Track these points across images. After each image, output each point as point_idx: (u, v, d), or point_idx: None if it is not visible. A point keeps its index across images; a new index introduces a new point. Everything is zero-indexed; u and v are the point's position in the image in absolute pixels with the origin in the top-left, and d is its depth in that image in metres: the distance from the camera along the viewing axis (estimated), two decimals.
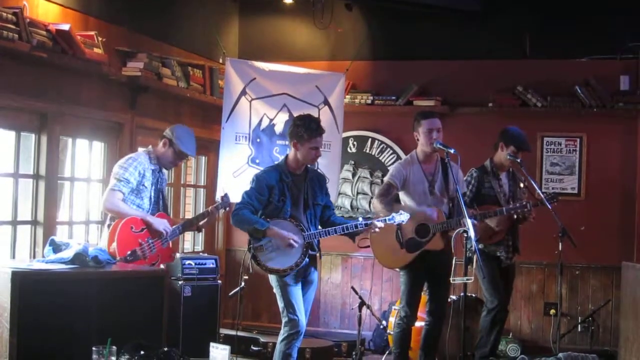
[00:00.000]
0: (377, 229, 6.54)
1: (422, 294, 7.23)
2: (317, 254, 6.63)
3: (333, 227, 6.53)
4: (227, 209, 7.40)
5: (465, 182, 7.45)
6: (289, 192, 6.47)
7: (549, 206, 7.26)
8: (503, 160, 7.56)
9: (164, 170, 7.12)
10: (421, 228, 6.93)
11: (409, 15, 9.55)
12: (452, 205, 7.06)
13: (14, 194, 6.78)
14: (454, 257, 6.65)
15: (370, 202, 9.50)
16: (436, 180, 7.04)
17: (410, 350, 7.35)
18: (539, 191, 7.40)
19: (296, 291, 6.45)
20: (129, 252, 6.43)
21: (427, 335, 7.17)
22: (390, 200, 7.03)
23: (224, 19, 10.02)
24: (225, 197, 7.26)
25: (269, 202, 6.42)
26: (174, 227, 6.86)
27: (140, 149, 7.48)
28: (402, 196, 7.11)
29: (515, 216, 7.34)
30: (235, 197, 7.29)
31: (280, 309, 6.46)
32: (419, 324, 7.24)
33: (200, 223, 7.20)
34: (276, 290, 6.48)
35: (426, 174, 7.03)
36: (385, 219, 6.54)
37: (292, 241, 6.29)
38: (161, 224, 6.72)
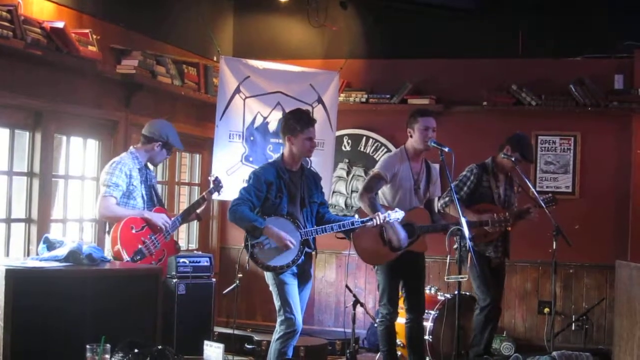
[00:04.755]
0: (376, 225, 6.55)
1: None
2: (313, 252, 6.63)
3: (330, 225, 6.51)
4: (220, 192, 7.39)
5: (463, 178, 7.51)
6: (286, 188, 6.46)
7: (544, 205, 7.29)
8: (505, 162, 7.56)
9: (150, 167, 7.13)
10: (406, 228, 6.91)
11: (403, 14, 9.56)
12: (429, 208, 7.15)
13: (8, 192, 6.78)
14: (448, 256, 6.65)
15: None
16: (421, 180, 7.06)
17: (404, 349, 7.35)
18: (534, 190, 7.42)
19: (293, 290, 6.43)
20: (134, 252, 6.44)
21: (411, 332, 7.16)
22: (376, 199, 6.98)
23: (219, 16, 10.02)
24: (216, 180, 7.26)
25: (266, 199, 6.39)
26: (173, 219, 6.88)
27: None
28: (384, 189, 7.08)
29: (497, 229, 7.38)
30: (229, 195, 7.30)
31: (277, 308, 6.44)
32: (402, 320, 7.25)
33: (199, 210, 7.21)
34: (272, 289, 6.46)
35: (413, 173, 7.03)
36: (383, 216, 6.54)
37: (288, 242, 6.28)
38: (160, 218, 6.74)
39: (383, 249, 6.94)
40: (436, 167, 7.28)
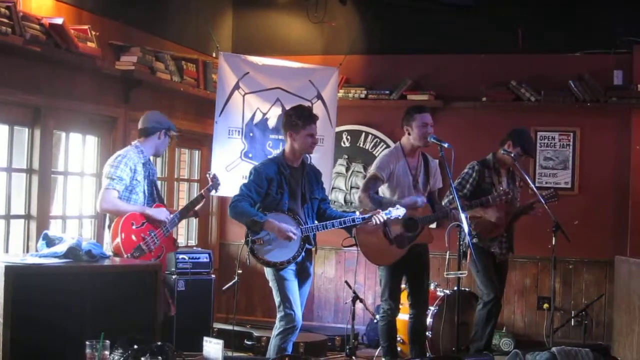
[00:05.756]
0: (378, 222, 6.53)
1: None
2: (313, 248, 6.63)
3: (331, 221, 6.52)
4: (218, 189, 7.38)
5: (465, 175, 7.51)
6: (287, 184, 6.46)
7: (543, 201, 7.30)
8: (506, 158, 7.55)
9: (152, 160, 7.13)
10: (409, 222, 6.92)
11: (402, 9, 9.56)
12: (431, 200, 7.11)
13: (7, 188, 6.78)
14: (448, 252, 6.65)
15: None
16: (419, 175, 7.04)
17: (404, 345, 7.34)
18: (533, 186, 7.42)
19: (293, 285, 6.44)
20: (134, 249, 6.44)
21: (413, 328, 7.16)
22: (375, 194, 6.98)
23: (218, 12, 10.01)
24: (214, 178, 7.25)
25: (266, 195, 6.40)
26: (172, 215, 6.88)
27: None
28: (382, 188, 7.07)
29: (504, 200, 7.34)
30: (228, 191, 7.29)
31: (277, 304, 6.45)
32: (404, 317, 7.24)
33: (197, 208, 7.21)
34: (272, 285, 6.47)
35: (410, 168, 7.01)
36: (383, 213, 6.53)
37: (291, 234, 6.28)
38: (161, 213, 6.75)
39: (390, 247, 6.93)
40: (435, 160, 7.25)
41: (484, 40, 9.32)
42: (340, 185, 9.81)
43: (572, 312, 9.04)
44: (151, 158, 7.11)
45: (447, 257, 6.68)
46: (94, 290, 5.31)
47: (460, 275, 6.40)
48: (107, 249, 6.44)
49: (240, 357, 8.09)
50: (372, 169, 7.09)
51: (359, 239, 6.92)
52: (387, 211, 6.53)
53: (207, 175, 7.34)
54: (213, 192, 7.36)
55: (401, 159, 7.00)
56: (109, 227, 6.63)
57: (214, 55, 9.30)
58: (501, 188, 7.39)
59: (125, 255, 6.37)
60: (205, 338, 5.45)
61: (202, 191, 7.27)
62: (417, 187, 7.02)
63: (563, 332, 8.95)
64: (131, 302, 5.46)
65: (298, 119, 6.46)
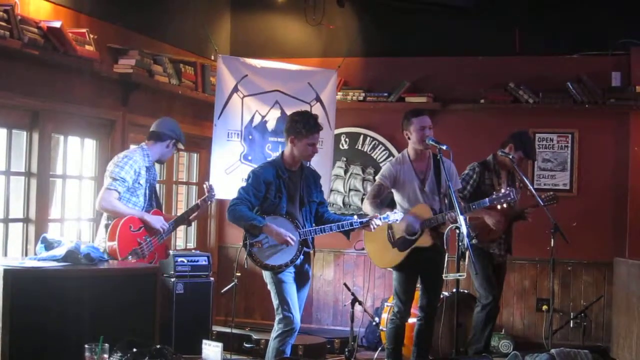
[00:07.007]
0: (374, 227, 6.53)
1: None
2: (311, 251, 6.63)
3: (329, 225, 6.52)
4: (212, 201, 7.38)
5: (465, 176, 7.49)
6: (285, 188, 6.46)
7: (542, 203, 7.29)
8: (506, 160, 7.55)
9: (156, 165, 7.14)
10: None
11: (401, 12, 9.55)
12: (447, 202, 7.07)
13: (5, 192, 6.78)
14: (447, 254, 6.64)
15: (362, 199, 9.49)
16: (427, 178, 7.00)
17: (404, 347, 7.35)
18: (531, 187, 7.41)
19: (291, 288, 6.44)
20: (129, 252, 6.44)
21: (419, 331, 7.15)
22: (380, 202, 7.00)
23: (216, 15, 10.01)
24: (210, 189, 7.24)
25: (265, 198, 6.39)
26: (167, 223, 6.87)
27: (132, 146, 7.49)
28: (395, 195, 7.09)
29: (504, 205, 7.30)
30: (228, 194, 7.29)
31: (275, 306, 6.45)
32: (411, 320, 7.24)
33: (191, 217, 7.20)
34: (271, 287, 6.47)
35: (417, 173, 6.99)
36: (380, 218, 6.54)
37: (288, 239, 6.28)
38: (158, 221, 6.74)
39: (392, 250, 6.94)
40: (448, 161, 6.97)
41: (482, 42, 9.32)
42: (339, 187, 9.81)
43: (571, 313, 9.05)
44: (156, 163, 7.12)
45: (446, 259, 6.67)
46: (93, 294, 5.30)
47: (459, 277, 6.39)
48: (101, 246, 6.44)
49: None
50: (377, 177, 7.15)
51: (366, 239, 7.05)
52: (384, 215, 6.56)
53: (204, 186, 7.33)
54: (209, 203, 7.37)
55: (405, 164, 6.98)
56: (106, 226, 6.63)
57: (212, 58, 9.31)
58: (502, 191, 7.34)
59: (119, 258, 6.37)
60: (204, 341, 5.46)
61: (199, 201, 7.27)
62: (424, 191, 6.98)
63: (562, 334, 8.94)
64: (130, 305, 5.46)
65: (303, 127, 6.44)
